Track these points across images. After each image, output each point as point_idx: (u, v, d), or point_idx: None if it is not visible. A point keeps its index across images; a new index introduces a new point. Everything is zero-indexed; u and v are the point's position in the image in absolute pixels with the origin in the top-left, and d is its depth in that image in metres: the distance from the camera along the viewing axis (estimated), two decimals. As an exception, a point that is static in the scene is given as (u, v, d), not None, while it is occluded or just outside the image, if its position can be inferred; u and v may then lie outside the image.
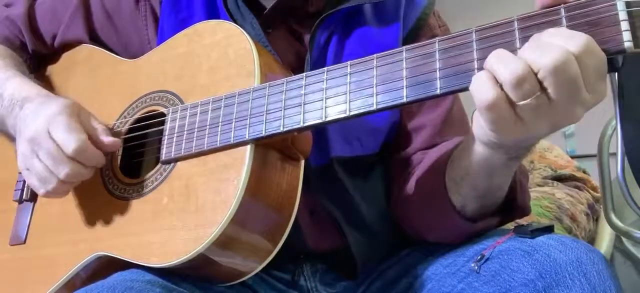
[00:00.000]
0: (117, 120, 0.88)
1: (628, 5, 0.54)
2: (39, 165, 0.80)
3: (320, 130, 0.82)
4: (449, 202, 0.78)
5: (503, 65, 0.56)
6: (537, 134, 0.61)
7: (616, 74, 0.59)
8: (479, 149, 0.68)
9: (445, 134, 0.89)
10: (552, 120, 0.58)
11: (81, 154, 0.78)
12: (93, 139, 0.80)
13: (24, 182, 0.91)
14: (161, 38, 0.91)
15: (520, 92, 0.55)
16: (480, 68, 0.60)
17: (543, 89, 0.55)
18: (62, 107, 0.81)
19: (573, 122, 0.59)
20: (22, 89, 0.89)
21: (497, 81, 0.57)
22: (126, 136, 0.86)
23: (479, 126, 0.62)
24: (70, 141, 0.77)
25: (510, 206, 0.80)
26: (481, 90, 0.57)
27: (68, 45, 1.01)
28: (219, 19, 0.88)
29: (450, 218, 0.79)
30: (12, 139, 0.90)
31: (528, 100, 0.55)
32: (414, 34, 0.92)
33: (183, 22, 0.90)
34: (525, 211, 0.82)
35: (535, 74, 0.55)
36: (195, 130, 0.77)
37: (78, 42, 1.00)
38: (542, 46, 0.55)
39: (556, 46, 0.54)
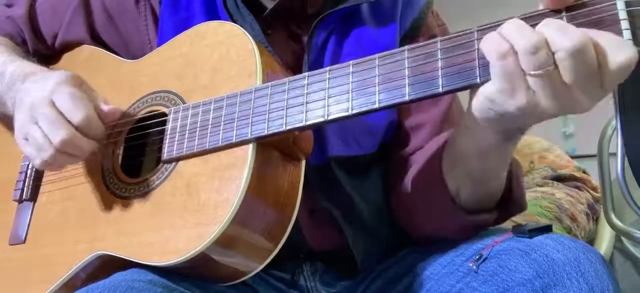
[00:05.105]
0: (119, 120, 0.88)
1: (628, 4, 0.55)
2: (37, 132, 0.78)
3: (317, 131, 0.82)
4: (445, 188, 0.78)
5: (518, 32, 0.56)
6: (544, 112, 0.59)
7: None
8: (473, 126, 0.68)
9: (445, 132, 0.89)
10: (562, 101, 0.57)
11: (88, 124, 0.77)
12: (96, 110, 0.79)
13: (24, 181, 0.91)
14: (161, 38, 0.91)
15: (533, 60, 0.55)
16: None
17: (556, 66, 0.55)
18: (65, 76, 0.81)
19: (583, 111, 0.58)
20: (24, 67, 0.89)
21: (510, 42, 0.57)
22: (127, 136, 0.86)
23: (483, 94, 0.61)
24: (77, 110, 0.77)
25: (506, 199, 0.80)
26: (493, 42, 0.57)
27: (69, 46, 1.01)
28: (218, 19, 0.88)
29: (446, 205, 0.78)
30: (10, 121, 0.89)
31: (539, 71, 0.55)
32: (412, 34, 0.92)
33: (183, 23, 0.90)
34: (522, 206, 0.81)
35: (552, 52, 0.55)
36: (197, 129, 0.77)
37: (79, 42, 1.00)
38: (564, 28, 0.55)
39: (579, 31, 0.55)
